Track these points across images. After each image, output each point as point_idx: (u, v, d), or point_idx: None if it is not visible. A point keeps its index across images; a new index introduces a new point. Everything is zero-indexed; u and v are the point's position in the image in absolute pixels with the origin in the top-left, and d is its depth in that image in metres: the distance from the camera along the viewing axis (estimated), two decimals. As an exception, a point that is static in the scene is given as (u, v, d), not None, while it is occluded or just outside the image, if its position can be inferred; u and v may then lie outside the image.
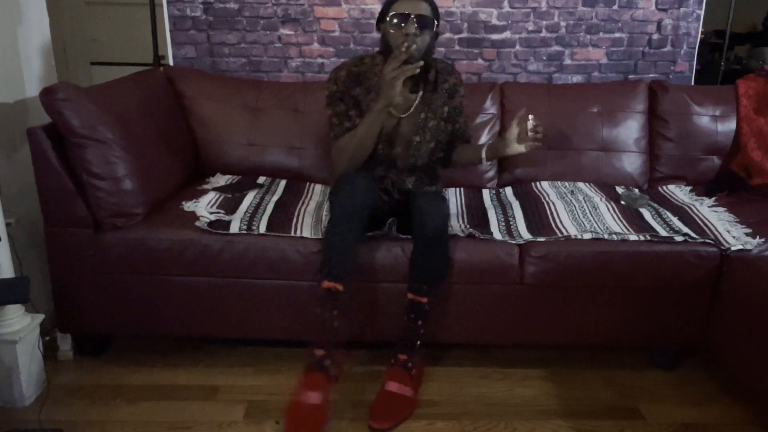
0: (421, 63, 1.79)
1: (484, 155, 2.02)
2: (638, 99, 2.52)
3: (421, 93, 2.03)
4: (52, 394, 1.93)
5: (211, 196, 2.17)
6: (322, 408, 1.71)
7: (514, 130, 1.92)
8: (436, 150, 2.07)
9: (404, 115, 2.02)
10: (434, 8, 1.95)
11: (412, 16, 1.87)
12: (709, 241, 1.94)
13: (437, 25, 1.97)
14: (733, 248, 1.90)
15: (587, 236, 1.95)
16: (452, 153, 2.16)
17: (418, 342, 1.87)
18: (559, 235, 1.96)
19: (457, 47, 2.77)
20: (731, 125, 2.48)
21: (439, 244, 1.84)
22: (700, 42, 2.81)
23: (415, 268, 1.85)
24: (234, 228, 1.94)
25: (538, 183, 2.39)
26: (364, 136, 1.92)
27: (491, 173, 2.49)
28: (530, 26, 2.75)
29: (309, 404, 1.70)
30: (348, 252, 1.79)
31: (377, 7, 2.69)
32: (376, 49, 2.09)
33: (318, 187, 2.39)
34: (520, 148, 1.92)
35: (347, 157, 1.98)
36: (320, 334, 1.77)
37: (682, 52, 2.80)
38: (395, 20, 1.90)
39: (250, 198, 2.16)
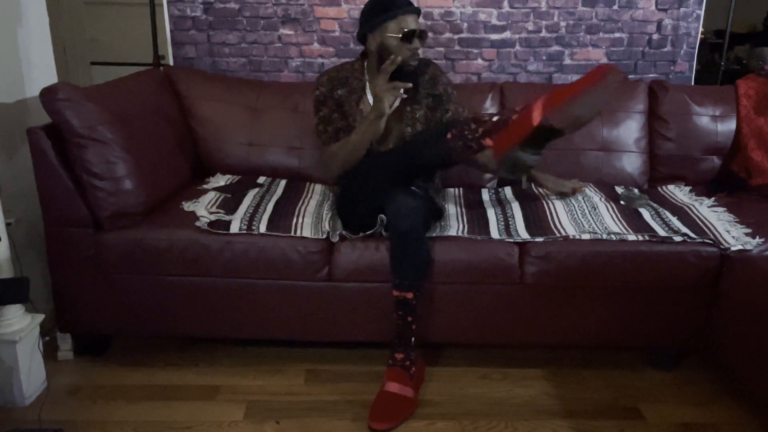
0: (410, 85, 1.90)
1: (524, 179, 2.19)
2: (638, 99, 2.52)
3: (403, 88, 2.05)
4: (52, 394, 1.93)
5: (211, 196, 2.17)
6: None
7: (563, 188, 2.22)
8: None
9: (390, 111, 2.03)
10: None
11: (417, 32, 1.98)
12: (709, 241, 1.94)
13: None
14: (732, 248, 1.91)
15: (586, 236, 1.95)
16: None
17: (413, 339, 1.87)
18: (558, 235, 1.96)
19: (457, 47, 2.77)
20: (731, 125, 2.48)
21: (414, 239, 1.83)
22: (700, 42, 2.81)
23: (393, 265, 1.85)
24: (234, 228, 1.94)
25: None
26: (357, 142, 1.99)
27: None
28: (530, 26, 2.75)
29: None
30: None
31: (377, 7, 2.69)
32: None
33: (318, 187, 2.39)
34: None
35: (339, 162, 2.05)
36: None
37: (682, 52, 2.80)
38: (403, 36, 1.96)
39: (250, 198, 2.17)
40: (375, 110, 1.93)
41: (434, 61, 2.54)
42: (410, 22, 1.97)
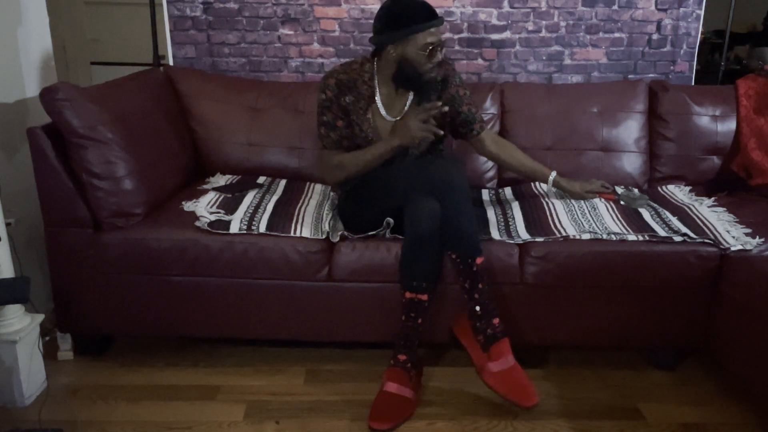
0: (441, 133, 1.91)
1: (551, 183, 2.17)
2: (638, 99, 2.52)
3: (412, 93, 2.03)
4: (52, 394, 1.93)
5: (211, 196, 2.17)
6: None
7: (588, 196, 2.15)
8: (435, 144, 2.11)
9: (398, 118, 2.02)
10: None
11: (439, 45, 1.91)
12: (708, 241, 1.94)
13: None
14: (732, 248, 1.90)
15: (586, 236, 1.95)
16: (488, 147, 2.18)
17: (417, 341, 1.87)
18: (558, 235, 1.96)
19: (457, 47, 2.77)
20: (731, 125, 2.48)
21: (432, 242, 1.83)
22: (700, 42, 2.81)
23: (407, 267, 1.84)
24: (234, 228, 1.94)
25: (537, 183, 2.39)
26: (370, 161, 1.99)
27: (491, 173, 2.49)
28: (530, 26, 2.75)
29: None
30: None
31: (377, 7, 2.68)
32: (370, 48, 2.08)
33: (318, 187, 2.39)
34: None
35: (346, 174, 2.04)
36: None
37: (682, 52, 2.80)
38: (428, 50, 1.90)
39: (250, 198, 2.16)
40: (401, 140, 1.91)
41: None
42: (435, 35, 1.90)
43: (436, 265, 1.88)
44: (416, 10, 1.89)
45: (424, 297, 1.84)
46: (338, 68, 2.05)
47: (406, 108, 2.04)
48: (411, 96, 2.04)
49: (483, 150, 2.20)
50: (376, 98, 2.03)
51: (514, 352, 1.82)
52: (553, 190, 2.23)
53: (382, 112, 2.03)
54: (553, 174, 2.17)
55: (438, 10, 2.66)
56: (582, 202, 2.16)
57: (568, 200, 2.18)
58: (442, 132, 1.90)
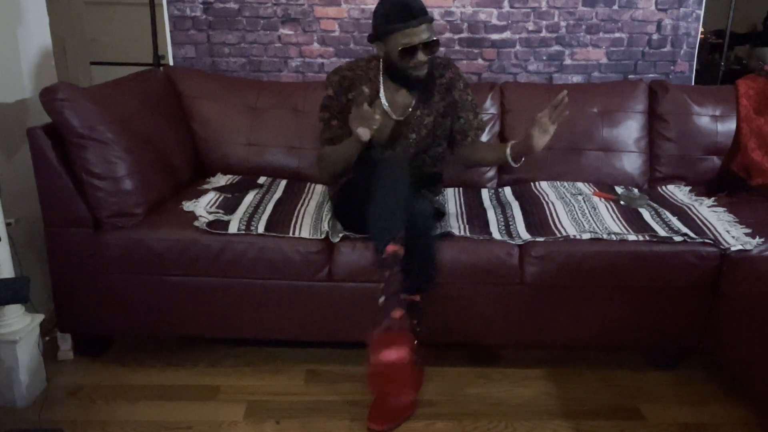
0: (378, 118, 1.79)
1: (509, 154, 1.96)
2: (638, 99, 2.52)
3: (417, 94, 2.03)
4: (52, 394, 1.93)
5: (210, 196, 2.17)
6: (407, 362, 1.71)
7: (544, 120, 1.83)
8: (433, 145, 2.09)
9: (402, 118, 2.02)
10: (430, 17, 1.90)
11: (420, 45, 1.86)
12: (709, 241, 1.94)
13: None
14: (732, 248, 1.90)
15: (586, 236, 1.95)
16: (466, 151, 2.12)
17: (416, 342, 1.86)
18: (558, 235, 1.96)
19: (457, 47, 2.77)
20: (731, 125, 2.48)
21: (428, 243, 1.83)
22: (700, 42, 2.81)
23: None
24: (233, 228, 1.94)
25: (537, 183, 2.39)
26: (340, 158, 1.98)
27: (491, 173, 2.49)
28: (530, 26, 2.75)
29: (390, 360, 1.71)
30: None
31: (377, 7, 2.69)
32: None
33: (318, 187, 2.39)
34: (546, 137, 1.85)
35: (326, 167, 2.06)
36: (394, 296, 1.73)
37: (682, 52, 2.80)
38: (404, 53, 1.87)
39: (249, 198, 2.16)
40: (355, 135, 1.84)
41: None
42: (417, 34, 1.84)
43: (427, 270, 1.83)
44: (395, 10, 1.85)
45: (416, 297, 1.83)
46: (344, 66, 2.07)
47: (411, 108, 2.03)
48: (417, 94, 2.03)
49: (460, 154, 2.14)
50: (381, 95, 2.04)
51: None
52: (517, 163, 2.00)
53: (387, 109, 2.03)
54: (509, 145, 1.98)
55: (438, 10, 2.70)
56: (582, 201, 2.16)
57: (568, 200, 2.18)
58: (378, 117, 1.79)
